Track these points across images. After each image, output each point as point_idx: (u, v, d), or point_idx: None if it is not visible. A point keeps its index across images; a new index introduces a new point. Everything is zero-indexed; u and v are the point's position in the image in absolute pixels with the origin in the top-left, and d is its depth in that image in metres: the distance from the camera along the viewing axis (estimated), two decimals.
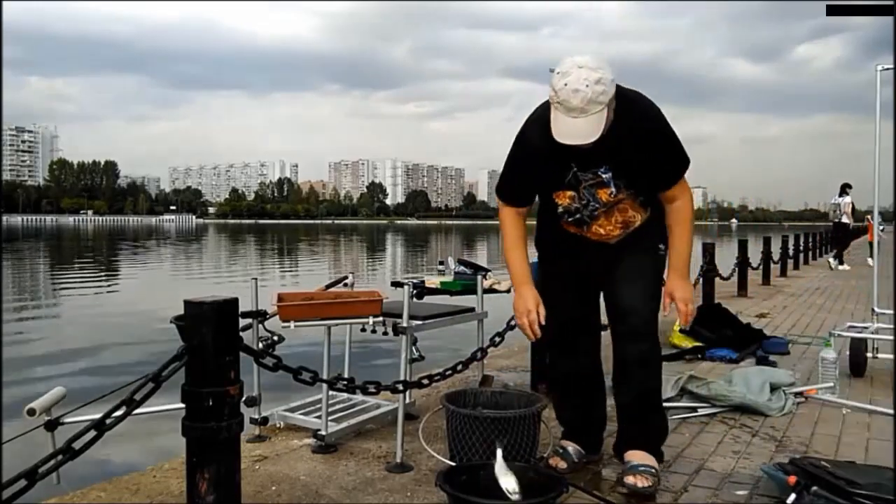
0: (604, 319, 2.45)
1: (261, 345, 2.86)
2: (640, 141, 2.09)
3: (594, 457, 2.53)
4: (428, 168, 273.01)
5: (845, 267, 13.04)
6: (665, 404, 2.55)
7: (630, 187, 2.17)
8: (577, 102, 1.90)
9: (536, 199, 2.36)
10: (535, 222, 2.44)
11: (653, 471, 2.23)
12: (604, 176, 2.15)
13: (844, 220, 13.64)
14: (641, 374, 2.29)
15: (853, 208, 13.68)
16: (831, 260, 13.82)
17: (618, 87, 2.02)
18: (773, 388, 3.42)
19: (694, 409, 3.28)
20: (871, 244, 12.49)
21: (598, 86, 1.89)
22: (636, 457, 2.27)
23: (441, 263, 4.15)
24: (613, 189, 2.17)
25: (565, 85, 1.91)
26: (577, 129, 1.94)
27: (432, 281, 3.31)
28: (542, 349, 3.29)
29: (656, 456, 2.34)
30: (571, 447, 2.51)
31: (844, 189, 13.61)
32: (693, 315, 2.27)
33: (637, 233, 2.27)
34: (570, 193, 2.22)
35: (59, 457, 1.46)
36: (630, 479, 2.20)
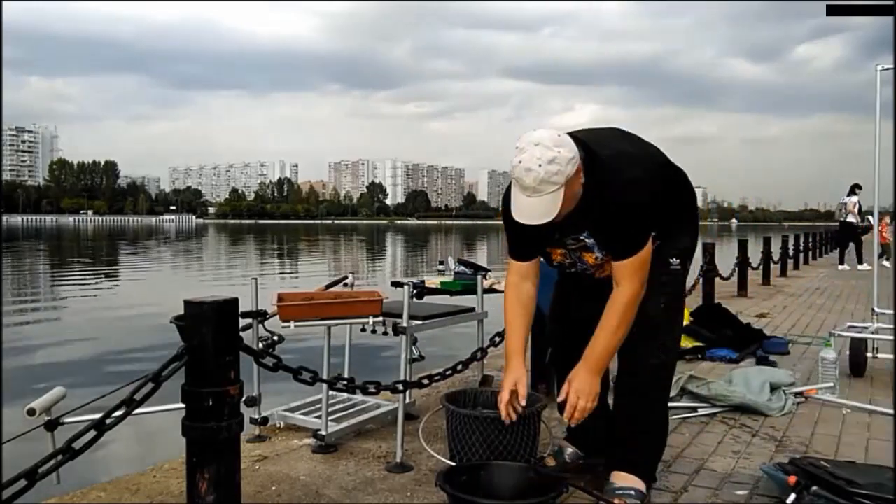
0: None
1: (261, 345, 2.86)
2: (611, 215, 2.04)
3: (594, 460, 2.49)
4: (428, 168, 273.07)
5: (865, 266, 12.51)
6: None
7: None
8: (530, 182, 1.87)
9: None
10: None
11: (632, 493, 2.16)
12: (587, 241, 2.15)
13: (850, 219, 13.51)
14: (634, 397, 2.22)
15: (860, 208, 13.56)
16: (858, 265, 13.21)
17: (605, 155, 2.01)
18: (773, 388, 3.42)
19: (694, 409, 3.28)
20: (883, 246, 12.42)
21: (551, 165, 1.85)
22: (618, 479, 2.21)
23: (441, 263, 4.15)
24: (599, 255, 2.15)
25: (519, 163, 1.89)
26: (530, 209, 1.91)
27: (432, 281, 3.31)
28: (543, 350, 3.30)
29: (645, 476, 2.24)
30: (570, 449, 2.51)
31: (854, 189, 13.51)
32: (585, 412, 2.06)
33: None
34: (560, 251, 2.22)
35: (59, 457, 1.46)
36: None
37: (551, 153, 1.86)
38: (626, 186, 2.00)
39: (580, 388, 2.05)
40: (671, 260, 2.23)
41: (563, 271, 2.33)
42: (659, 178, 2.14)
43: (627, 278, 2.03)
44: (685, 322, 4.97)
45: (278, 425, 3.02)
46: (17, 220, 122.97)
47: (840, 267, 13.29)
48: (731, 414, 3.26)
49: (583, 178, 1.97)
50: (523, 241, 2.22)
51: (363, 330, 2.80)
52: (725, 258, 9.05)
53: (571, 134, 2.03)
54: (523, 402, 2.13)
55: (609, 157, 2.02)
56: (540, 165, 1.85)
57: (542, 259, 2.30)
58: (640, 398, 2.23)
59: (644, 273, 2.05)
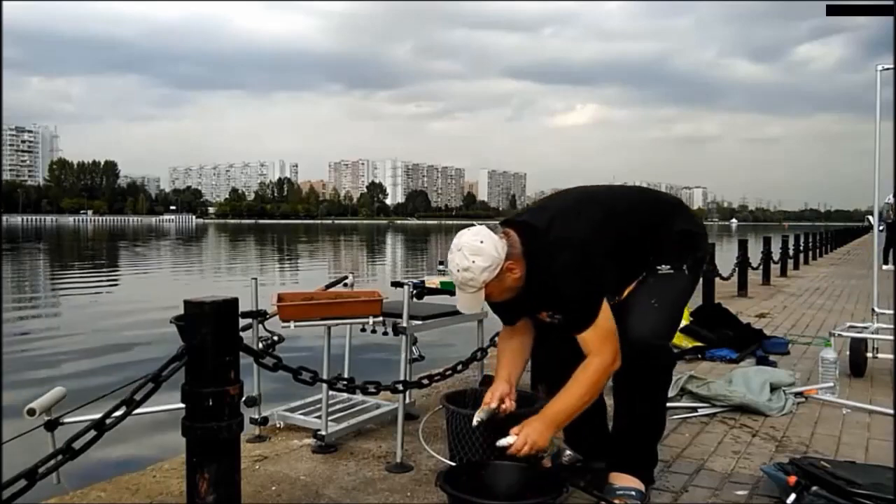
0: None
1: (261, 345, 2.86)
2: (553, 299, 2.16)
3: (594, 463, 2.47)
4: (428, 168, 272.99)
5: (889, 267, 12.15)
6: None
7: None
8: (455, 280, 2.09)
9: None
10: None
11: (632, 493, 2.18)
12: (556, 318, 2.24)
13: None
14: (632, 398, 2.23)
15: None
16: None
17: (536, 248, 2.09)
18: (773, 388, 3.42)
19: (694, 409, 3.28)
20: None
21: (466, 273, 2.03)
22: (617, 479, 2.23)
23: (441, 263, 4.14)
24: None
25: (448, 262, 2.10)
26: (462, 301, 2.14)
27: (432, 281, 3.30)
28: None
29: (644, 477, 2.26)
30: (568, 451, 2.51)
31: None
32: (528, 453, 2.02)
33: None
34: (545, 314, 2.29)
35: (59, 457, 1.46)
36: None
37: (466, 262, 2.03)
38: (557, 275, 2.09)
39: (530, 436, 2.05)
40: (658, 268, 2.26)
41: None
42: (599, 245, 2.15)
43: (596, 350, 2.08)
44: (685, 322, 4.97)
45: (278, 425, 3.02)
46: (17, 220, 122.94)
47: (885, 267, 12.36)
48: (731, 414, 3.26)
49: (518, 273, 2.09)
50: (505, 312, 2.36)
51: (363, 330, 2.80)
52: (725, 258, 9.05)
53: (516, 222, 2.17)
54: (494, 410, 2.18)
55: (540, 247, 2.11)
56: (458, 271, 2.05)
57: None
58: (638, 401, 2.24)
59: (612, 342, 2.09)
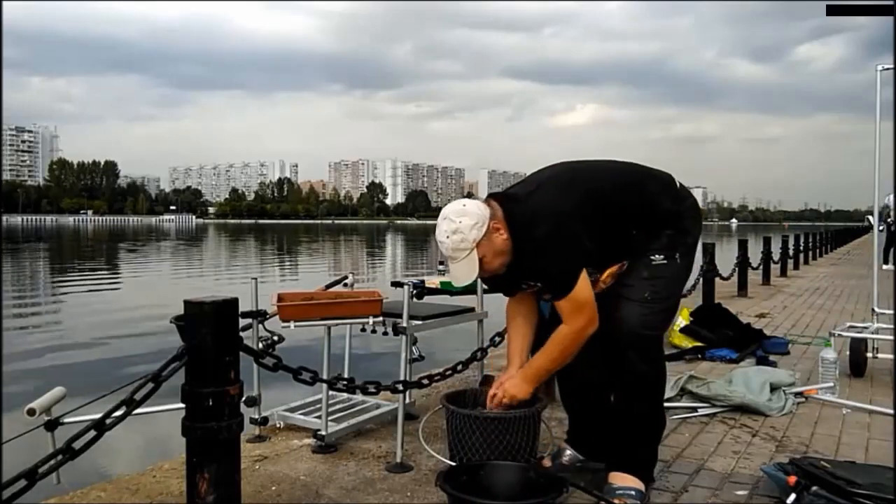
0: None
1: (261, 345, 2.86)
2: (534, 267, 2.18)
3: (593, 464, 2.48)
4: (428, 168, 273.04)
5: (889, 266, 12.01)
6: (665, 404, 2.50)
7: None
8: (445, 251, 2.13)
9: None
10: None
11: (632, 493, 2.18)
12: (536, 286, 2.27)
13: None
14: (628, 396, 2.24)
15: None
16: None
17: (518, 213, 2.14)
18: (773, 388, 3.42)
19: (694, 409, 3.28)
20: None
21: (455, 235, 2.09)
22: (617, 479, 2.23)
23: (441, 263, 4.14)
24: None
25: (436, 236, 2.14)
26: (455, 273, 2.16)
27: (432, 281, 3.30)
28: None
29: (643, 477, 2.26)
30: (569, 451, 2.51)
31: None
32: (504, 401, 2.23)
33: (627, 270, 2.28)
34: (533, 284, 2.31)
35: (59, 457, 1.46)
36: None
37: (454, 224, 2.09)
38: (536, 244, 2.13)
39: (509, 391, 2.24)
40: (652, 257, 2.24)
41: None
42: (577, 217, 2.15)
43: (567, 318, 2.15)
44: (685, 322, 4.97)
45: (278, 425, 3.02)
46: (17, 220, 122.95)
47: (885, 267, 12.18)
48: (731, 414, 3.26)
49: (505, 234, 2.14)
50: (497, 287, 2.47)
51: (363, 330, 2.80)
52: (725, 258, 9.05)
53: (496, 194, 2.25)
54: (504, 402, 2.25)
55: (521, 214, 2.16)
56: (447, 237, 2.10)
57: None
58: (636, 401, 2.24)
59: (586, 312, 2.13)
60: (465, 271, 2.13)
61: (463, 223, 2.09)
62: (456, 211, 2.12)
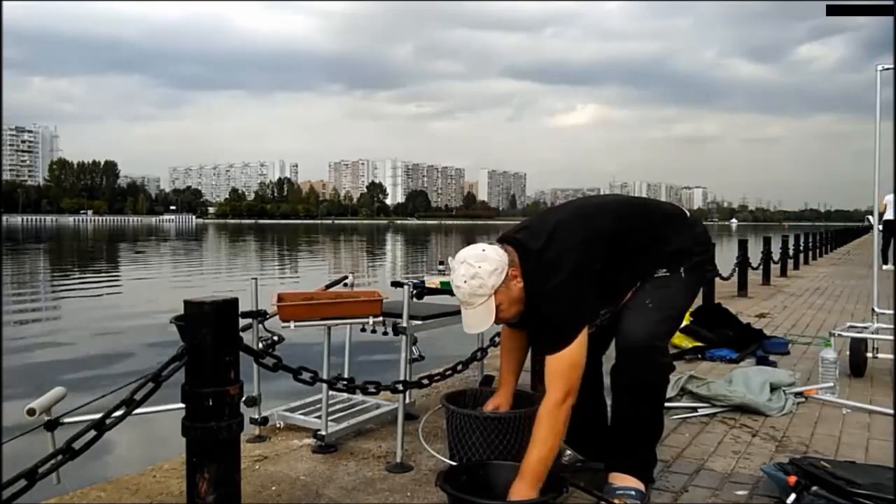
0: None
1: (261, 345, 2.86)
2: (541, 318, 2.14)
3: (592, 464, 2.48)
4: (428, 168, 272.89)
5: (889, 267, 11.79)
6: (665, 404, 2.49)
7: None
8: (461, 297, 2.08)
9: None
10: None
11: (632, 493, 2.18)
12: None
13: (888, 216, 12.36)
14: (629, 399, 2.22)
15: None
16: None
17: (528, 269, 2.10)
18: (773, 388, 3.42)
19: (694, 409, 3.28)
20: None
21: (473, 280, 2.03)
22: (617, 479, 2.23)
23: (441, 263, 4.14)
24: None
25: (453, 281, 2.09)
26: (468, 320, 2.09)
27: (432, 281, 3.30)
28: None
29: (643, 477, 2.26)
30: (569, 451, 2.51)
31: None
32: None
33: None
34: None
35: (59, 457, 1.46)
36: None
37: (473, 269, 2.04)
38: (545, 296, 2.09)
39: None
40: (656, 273, 2.25)
41: None
42: (590, 268, 2.14)
43: (552, 383, 2.05)
44: (685, 322, 4.97)
45: (278, 425, 3.02)
46: (17, 220, 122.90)
47: (885, 267, 11.86)
48: (731, 414, 3.26)
49: (521, 282, 2.10)
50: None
51: (363, 330, 2.80)
52: (725, 258, 9.05)
53: (509, 238, 2.19)
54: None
55: (535, 268, 2.11)
56: (465, 282, 2.04)
57: None
58: (637, 402, 2.23)
59: (570, 378, 2.04)
60: (480, 319, 2.07)
61: (482, 269, 2.03)
62: (475, 256, 2.06)
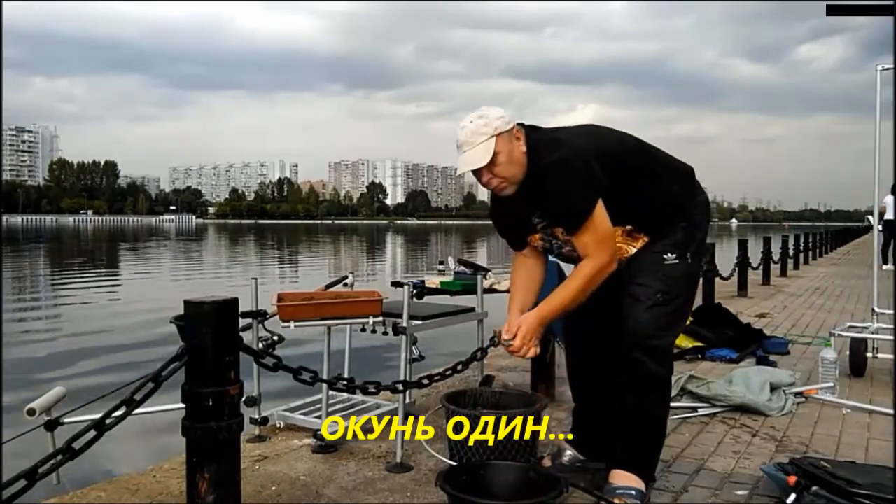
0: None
1: (261, 345, 2.86)
2: (546, 193, 2.13)
3: (593, 464, 2.47)
4: (428, 168, 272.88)
5: (889, 267, 11.79)
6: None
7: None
8: (463, 136, 2.11)
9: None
10: None
11: (632, 493, 2.17)
12: (544, 221, 2.24)
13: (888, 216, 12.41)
14: (636, 395, 2.21)
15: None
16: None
17: (535, 139, 2.14)
18: (773, 388, 3.42)
19: (694, 409, 3.28)
20: None
21: (479, 119, 2.11)
22: (618, 478, 2.22)
23: (441, 263, 4.15)
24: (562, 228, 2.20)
25: (459, 129, 2.15)
26: (464, 160, 2.12)
27: (432, 281, 3.31)
28: (544, 351, 3.29)
29: (644, 476, 2.25)
30: (569, 451, 2.50)
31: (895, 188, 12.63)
32: (522, 353, 2.18)
33: (638, 254, 2.24)
34: (537, 235, 2.29)
35: (59, 457, 1.46)
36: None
37: (480, 112, 2.14)
38: (551, 166, 2.10)
39: (526, 335, 2.17)
40: (664, 256, 2.22)
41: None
42: (594, 160, 2.12)
43: (593, 251, 2.10)
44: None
45: (278, 425, 3.02)
46: (17, 220, 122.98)
47: (885, 267, 11.71)
48: (731, 414, 3.26)
49: (524, 147, 2.14)
50: (506, 231, 2.38)
51: (363, 330, 2.80)
52: (725, 258, 9.05)
53: (533, 126, 2.23)
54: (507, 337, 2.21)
55: (538, 141, 2.16)
56: (471, 122, 2.12)
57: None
58: (649, 402, 2.23)
59: (609, 246, 2.11)
60: (477, 157, 2.07)
61: (489, 113, 2.12)
62: (480, 110, 2.15)
